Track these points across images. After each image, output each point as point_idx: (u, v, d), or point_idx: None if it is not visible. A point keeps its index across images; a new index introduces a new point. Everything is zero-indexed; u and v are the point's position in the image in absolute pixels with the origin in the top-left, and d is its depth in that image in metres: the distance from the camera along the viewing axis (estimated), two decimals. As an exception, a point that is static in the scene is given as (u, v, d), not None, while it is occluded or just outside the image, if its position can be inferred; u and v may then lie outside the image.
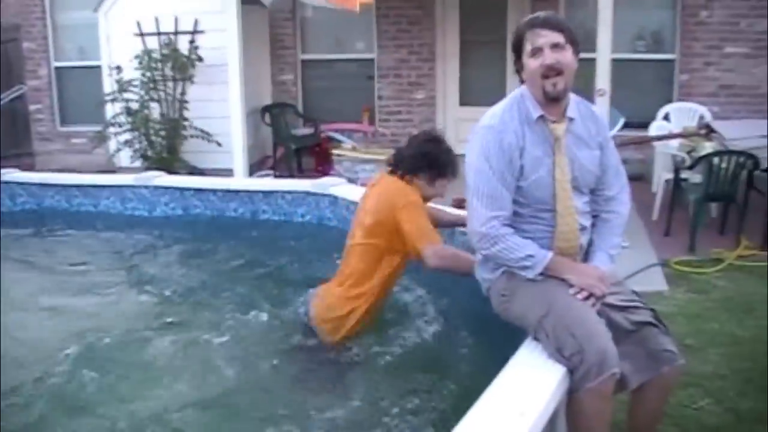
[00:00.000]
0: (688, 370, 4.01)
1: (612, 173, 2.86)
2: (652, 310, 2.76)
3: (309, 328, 3.50)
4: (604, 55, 5.12)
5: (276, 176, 8.74)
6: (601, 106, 5.21)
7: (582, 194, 2.78)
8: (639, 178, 8.33)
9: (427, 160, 3.47)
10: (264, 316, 3.76)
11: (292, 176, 8.51)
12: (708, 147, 6.44)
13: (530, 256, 2.64)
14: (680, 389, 3.81)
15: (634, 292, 2.85)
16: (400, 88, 9.15)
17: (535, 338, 2.58)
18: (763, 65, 8.04)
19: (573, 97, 2.78)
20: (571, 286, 2.62)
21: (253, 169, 9.18)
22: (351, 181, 8.55)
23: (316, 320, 3.48)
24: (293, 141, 9.19)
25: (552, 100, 2.67)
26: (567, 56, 2.64)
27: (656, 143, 7.24)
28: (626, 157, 8.57)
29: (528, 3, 8.64)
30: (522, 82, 2.75)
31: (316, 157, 9.31)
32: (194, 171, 8.60)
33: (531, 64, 2.65)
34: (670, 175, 6.64)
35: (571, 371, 2.42)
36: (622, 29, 8.62)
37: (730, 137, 6.47)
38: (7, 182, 6.05)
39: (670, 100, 8.23)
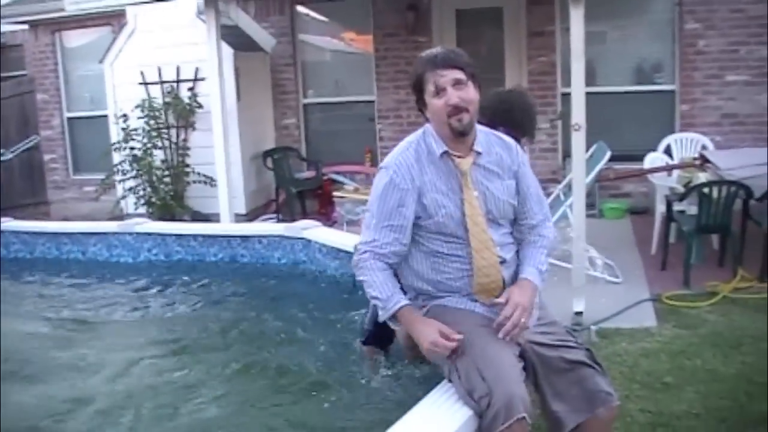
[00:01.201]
0: (660, 409, 3.91)
1: (533, 201, 2.79)
2: (588, 350, 2.69)
3: None
4: (578, 89, 5.02)
5: (279, 220, 8.77)
6: (578, 140, 5.10)
7: (500, 226, 2.72)
8: (644, 212, 8.21)
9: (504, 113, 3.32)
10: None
11: (293, 220, 8.50)
12: (702, 178, 6.32)
13: (378, 298, 2.62)
14: (648, 430, 3.70)
15: (569, 332, 2.78)
16: (401, 129, 9.11)
17: (450, 380, 2.51)
18: (764, 93, 7.88)
19: (481, 129, 2.76)
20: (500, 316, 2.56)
21: (258, 213, 9.25)
22: (352, 222, 8.63)
23: None
24: (294, 184, 9.20)
25: (459, 135, 2.64)
26: (470, 92, 2.63)
27: (654, 176, 7.11)
28: (630, 190, 8.55)
29: (524, 42, 8.63)
30: (426, 120, 2.73)
31: (318, 199, 9.32)
32: (197, 216, 8.68)
33: (435, 103, 2.63)
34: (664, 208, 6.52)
35: (480, 415, 2.34)
36: (621, 62, 8.61)
37: (725, 167, 6.33)
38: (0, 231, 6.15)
39: (672, 132, 8.10)
